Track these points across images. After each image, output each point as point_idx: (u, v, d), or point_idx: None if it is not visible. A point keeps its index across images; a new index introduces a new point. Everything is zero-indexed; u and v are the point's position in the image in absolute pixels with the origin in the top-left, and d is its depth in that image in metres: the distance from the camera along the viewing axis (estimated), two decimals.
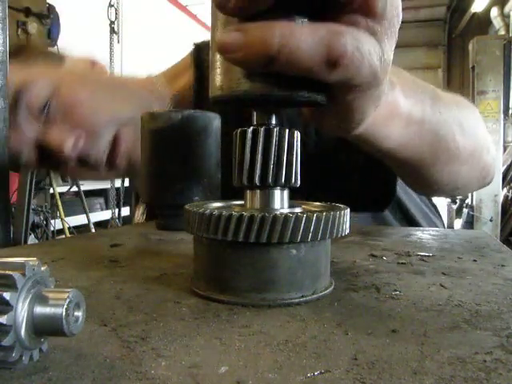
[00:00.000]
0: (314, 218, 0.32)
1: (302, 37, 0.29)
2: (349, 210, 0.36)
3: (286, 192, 0.35)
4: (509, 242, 4.51)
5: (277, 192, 0.35)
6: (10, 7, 0.86)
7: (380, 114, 0.43)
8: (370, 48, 0.31)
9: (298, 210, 0.35)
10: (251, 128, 0.34)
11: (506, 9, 6.22)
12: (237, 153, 0.35)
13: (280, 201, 0.35)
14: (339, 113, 0.39)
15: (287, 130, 0.34)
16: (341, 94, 0.36)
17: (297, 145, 0.34)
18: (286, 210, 0.34)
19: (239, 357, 0.24)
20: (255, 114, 0.35)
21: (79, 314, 0.23)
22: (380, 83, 0.35)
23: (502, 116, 5.13)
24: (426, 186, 0.72)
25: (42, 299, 0.22)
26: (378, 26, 0.32)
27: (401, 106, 0.48)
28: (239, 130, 0.35)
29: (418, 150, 0.55)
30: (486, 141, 0.69)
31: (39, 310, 0.22)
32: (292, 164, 0.34)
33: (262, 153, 0.33)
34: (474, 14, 7.55)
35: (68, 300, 0.22)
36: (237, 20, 0.31)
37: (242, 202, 0.37)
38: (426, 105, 0.54)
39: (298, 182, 0.35)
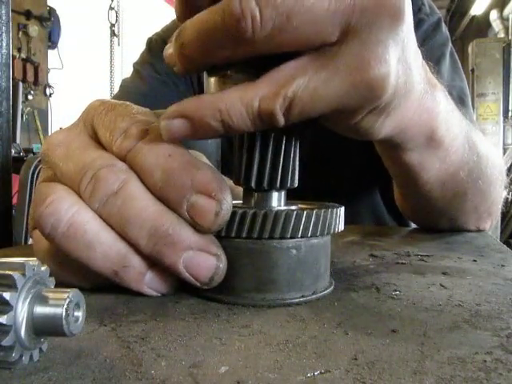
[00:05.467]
0: (314, 214, 0.32)
1: (237, 107, 0.29)
2: (343, 208, 0.36)
3: (283, 192, 0.36)
4: (509, 244, 4.50)
5: (274, 192, 0.35)
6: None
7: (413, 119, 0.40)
8: (310, 84, 0.29)
9: (295, 207, 0.35)
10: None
11: (505, 12, 6.24)
12: (236, 152, 0.35)
13: (277, 200, 0.35)
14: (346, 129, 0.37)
15: (285, 134, 0.33)
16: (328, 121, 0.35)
17: (295, 148, 0.34)
18: (283, 208, 0.34)
19: (239, 357, 0.24)
20: None
21: (79, 313, 0.23)
22: (374, 100, 0.32)
23: (501, 118, 5.14)
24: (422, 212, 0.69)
25: (42, 299, 0.22)
26: (328, 57, 0.29)
27: (440, 113, 0.44)
28: None
29: (439, 177, 0.53)
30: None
31: (39, 309, 0.22)
32: (288, 167, 0.34)
33: (259, 156, 0.33)
34: (474, 16, 7.56)
35: (68, 300, 0.22)
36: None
37: (239, 202, 0.37)
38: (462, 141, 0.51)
39: (296, 183, 0.35)
